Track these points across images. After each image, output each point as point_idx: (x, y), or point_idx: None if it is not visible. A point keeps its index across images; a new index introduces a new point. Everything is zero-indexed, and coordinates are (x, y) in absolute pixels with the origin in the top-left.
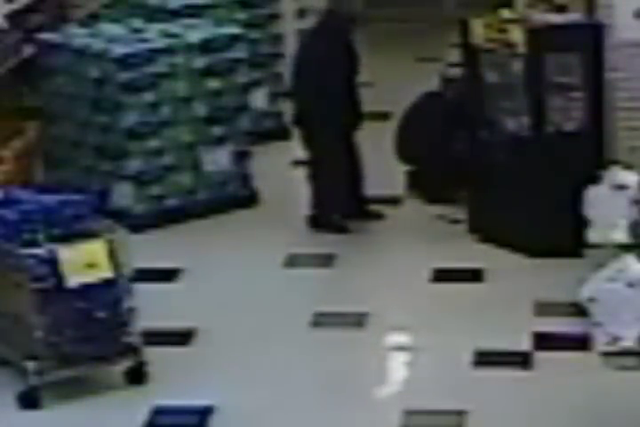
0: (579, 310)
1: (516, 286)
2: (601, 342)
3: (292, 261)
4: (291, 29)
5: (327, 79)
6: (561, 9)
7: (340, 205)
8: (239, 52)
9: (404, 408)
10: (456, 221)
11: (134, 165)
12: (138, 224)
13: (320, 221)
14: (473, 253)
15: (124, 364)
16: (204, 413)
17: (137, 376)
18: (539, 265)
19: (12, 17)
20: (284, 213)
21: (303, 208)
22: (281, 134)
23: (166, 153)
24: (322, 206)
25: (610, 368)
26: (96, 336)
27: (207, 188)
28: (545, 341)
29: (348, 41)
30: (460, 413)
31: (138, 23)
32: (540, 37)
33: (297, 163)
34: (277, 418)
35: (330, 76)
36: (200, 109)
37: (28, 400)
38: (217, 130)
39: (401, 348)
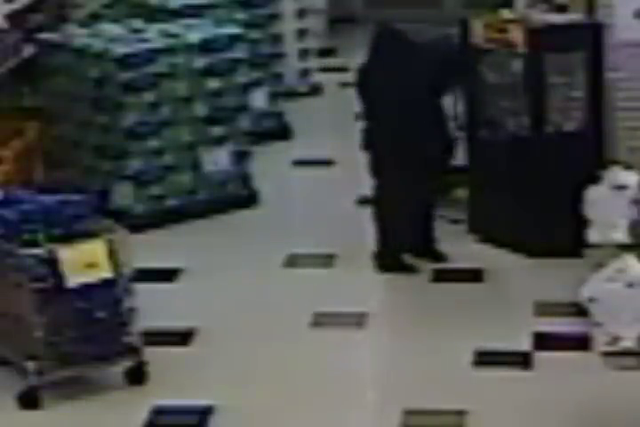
0: (579, 310)
1: (516, 286)
2: (601, 342)
3: (292, 261)
4: (291, 29)
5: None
6: (561, 9)
7: (407, 242)
8: (239, 52)
9: (403, 408)
10: (456, 221)
11: (134, 165)
12: (138, 224)
13: (386, 260)
14: (473, 253)
15: (124, 364)
16: (204, 413)
17: (137, 376)
18: (539, 265)
19: (12, 17)
20: (284, 213)
21: (303, 208)
22: (281, 134)
23: (166, 153)
24: (387, 244)
25: (610, 368)
26: (96, 336)
27: (207, 188)
28: (545, 341)
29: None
30: (460, 413)
31: (138, 23)
32: (540, 37)
33: (297, 163)
34: (277, 418)
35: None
36: (200, 109)
37: (28, 400)
38: (217, 130)
39: (401, 348)
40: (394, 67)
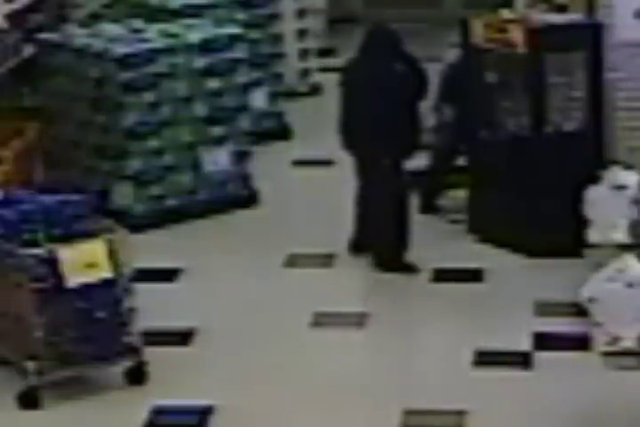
0: (579, 310)
1: (516, 286)
2: (601, 342)
3: (292, 261)
4: (291, 29)
5: (386, 102)
6: (561, 9)
7: (402, 239)
8: (239, 52)
9: (404, 408)
10: (456, 221)
11: (134, 165)
12: (138, 224)
13: (385, 260)
14: (473, 253)
15: (124, 364)
16: (204, 413)
17: (137, 376)
18: (539, 265)
19: (12, 17)
20: (284, 213)
21: (303, 208)
22: (281, 134)
23: (166, 153)
24: (382, 244)
25: (610, 368)
26: (96, 336)
27: (207, 188)
28: (545, 341)
29: (407, 58)
30: (460, 413)
31: (138, 23)
32: (540, 37)
33: (297, 163)
34: (277, 418)
35: (389, 98)
36: (200, 109)
37: (28, 400)
38: (217, 130)
39: (401, 348)
40: (381, 67)
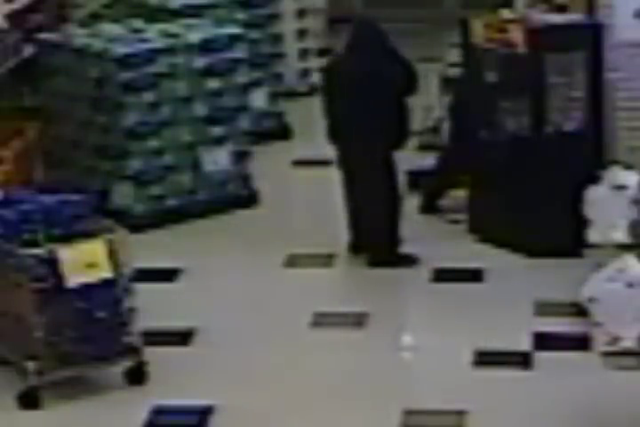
0: (579, 310)
1: (516, 286)
2: (601, 342)
3: (292, 261)
4: (291, 29)
5: (374, 94)
6: (561, 9)
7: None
8: (239, 52)
9: (404, 408)
10: (456, 221)
11: (134, 165)
12: (138, 224)
13: (381, 255)
14: (473, 253)
15: (124, 364)
16: (204, 413)
17: (137, 376)
18: (539, 265)
19: (12, 17)
20: (284, 213)
21: (303, 208)
22: (281, 134)
23: (166, 153)
24: (379, 242)
25: (610, 368)
26: (96, 336)
27: (207, 188)
28: (545, 341)
29: (394, 52)
30: (460, 413)
31: (138, 23)
32: (540, 37)
33: (297, 163)
34: (277, 418)
35: (377, 90)
36: (200, 109)
37: (28, 400)
38: (217, 130)
39: (401, 348)
40: (370, 64)
